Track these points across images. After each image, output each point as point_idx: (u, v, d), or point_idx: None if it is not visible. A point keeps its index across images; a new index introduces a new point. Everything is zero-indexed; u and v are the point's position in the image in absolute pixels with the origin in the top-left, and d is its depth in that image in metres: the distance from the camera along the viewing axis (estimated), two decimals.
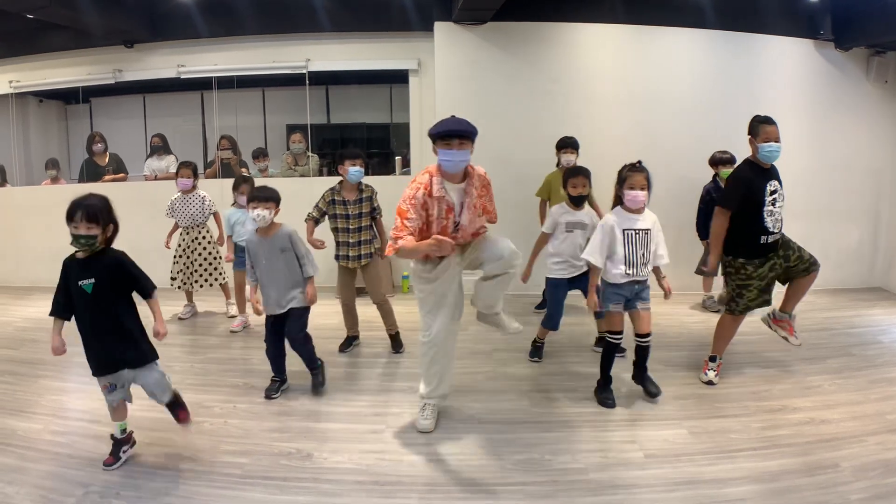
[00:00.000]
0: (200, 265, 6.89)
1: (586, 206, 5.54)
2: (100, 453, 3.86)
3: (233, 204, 6.52)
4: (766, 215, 4.84)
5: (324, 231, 5.63)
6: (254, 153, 8.58)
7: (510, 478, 3.72)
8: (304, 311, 4.85)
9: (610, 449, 4.04)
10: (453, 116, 4.11)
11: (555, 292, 5.53)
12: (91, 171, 8.59)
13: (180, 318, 6.88)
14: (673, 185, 7.58)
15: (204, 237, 6.91)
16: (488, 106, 7.68)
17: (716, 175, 6.91)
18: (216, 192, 7.11)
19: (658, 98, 7.75)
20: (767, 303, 5.11)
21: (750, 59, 7.83)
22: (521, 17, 7.50)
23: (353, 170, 5.49)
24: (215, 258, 6.96)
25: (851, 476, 3.67)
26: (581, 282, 5.36)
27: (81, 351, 5.80)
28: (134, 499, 3.45)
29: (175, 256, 6.86)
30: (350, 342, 5.90)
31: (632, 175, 4.48)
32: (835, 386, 5.03)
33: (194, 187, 6.82)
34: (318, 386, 4.91)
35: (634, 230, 4.50)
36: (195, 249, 6.86)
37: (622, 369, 4.99)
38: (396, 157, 8.97)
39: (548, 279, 5.59)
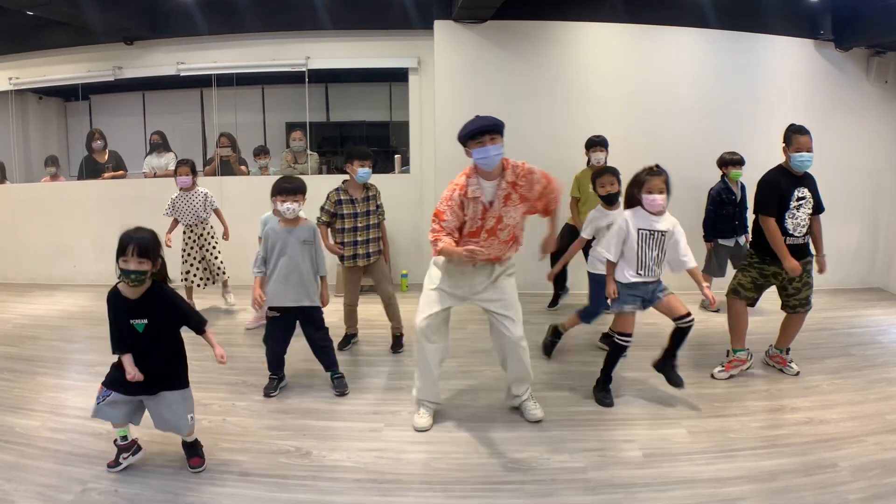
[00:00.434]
0: (216, 258, 6.92)
1: (620, 204, 5.50)
2: (98, 450, 3.87)
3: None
4: (787, 218, 4.98)
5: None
6: (254, 151, 8.58)
7: (509, 476, 3.72)
8: (318, 311, 4.88)
9: (609, 448, 4.04)
10: (477, 115, 4.13)
11: (599, 289, 5.51)
12: (90, 169, 8.59)
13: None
14: (673, 184, 7.57)
15: (209, 233, 6.92)
16: (488, 105, 7.63)
17: (724, 176, 6.88)
18: (215, 189, 7.09)
19: (658, 97, 7.75)
20: (751, 301, 5.25)
21: (750, 59, 7.83)
22: (522, 16, 7.50)
23: (363, 171, 5.51)
24: (220, 252, 6.99)
25: (850, 476, 3.67)
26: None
27: (79, 348, 5.83)
28: (132, 496, 3.45)
29: (184, 255, 6.84)
30: (349, 340, 5.89)
31: (650, 179, 4.42)
32: (834, 386, 5.04)
33: (194, 184, 6.80)
34: (343, 388, 4.89)
35: (650, 231, 4.44)
36: (203, 246, 6.88)
37: (621, 367, 4.98)
38: (396, 156, 8.96)
39: (590, 275, 5.62)
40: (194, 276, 6.82)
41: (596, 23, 7.68)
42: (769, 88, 7.88)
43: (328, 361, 4.96)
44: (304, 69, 8.33)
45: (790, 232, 5.00)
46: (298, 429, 4.28)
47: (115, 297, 3.56)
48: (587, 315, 5.63)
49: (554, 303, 7.18)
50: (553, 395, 4.78)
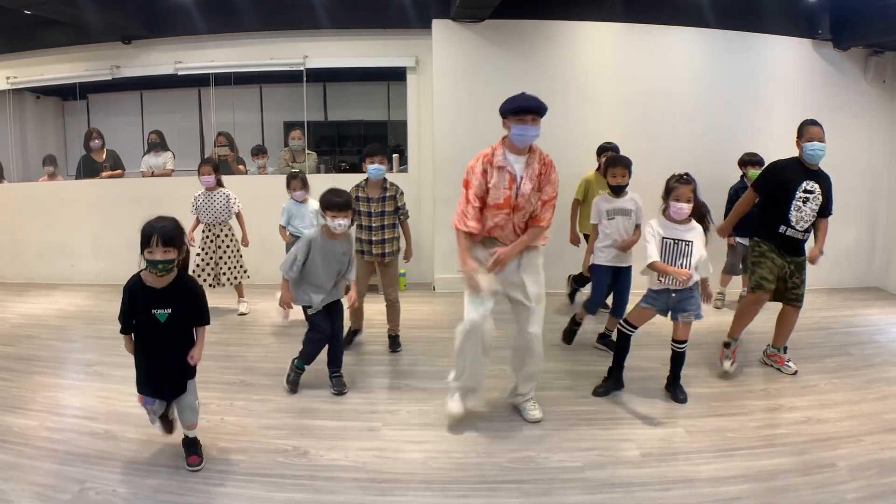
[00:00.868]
0: (226, 263, 6.88)
1: (629, 193, 5.57)
2: (95, 449, 3.86)
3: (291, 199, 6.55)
4: (792, 209, 5.06)
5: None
6: (252, 150, 8.58)
7: (506, 475, 3.72)
8: (341, 306, 4.99)
9: (606, 447, 4.04)
10: (524, 93, 4.19)
11: (598, 278, 5.70)
12: (88, 168, 8.58)
13: None
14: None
15: (227, 235, 6.89)
16: (486, 104, 7.60)
17: (743, 175, 6.92)
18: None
19: (657, 97, 7.75)
20: (770, 291, 5.19)
21: (748, 59, 7.83)
22: (520, 15, 7.49)
23: (372, 168, 5.52)
24: (241, 255, 6.98)
25: (848, 475, 3.68)
26: (620, 273, 5.60)
27: (76, 347, 5.82)
28: (130, 495, 3.44)
29: (202, 253, 6.82)
30: (353, 336, 5.89)
31: (678, 187, 4.50)
32: (831, 385, 5.04)
33: (219, 183, 6.81)
34: (342, 388, 4.89)
35: (674, 240, 4.51)
36: (220, 247, 6.85)
37: (627, 367, 4.99)
38: (394, 155, 8.95)
39: (592, 264, 5.72)
40: (208, 275, 6.78)
41: (594, 22, 7.68)
42: (767, 88, 7.88)
43: (334, 358, 4.97)
44: (301, 68, 8.32)
45: (792, 224, 5.05)
46: (296, 428, 4.28)
47: (136, 286, 3.51)
48: (591, 306, 5.81)
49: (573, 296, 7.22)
50: (551, 395, 4.77)
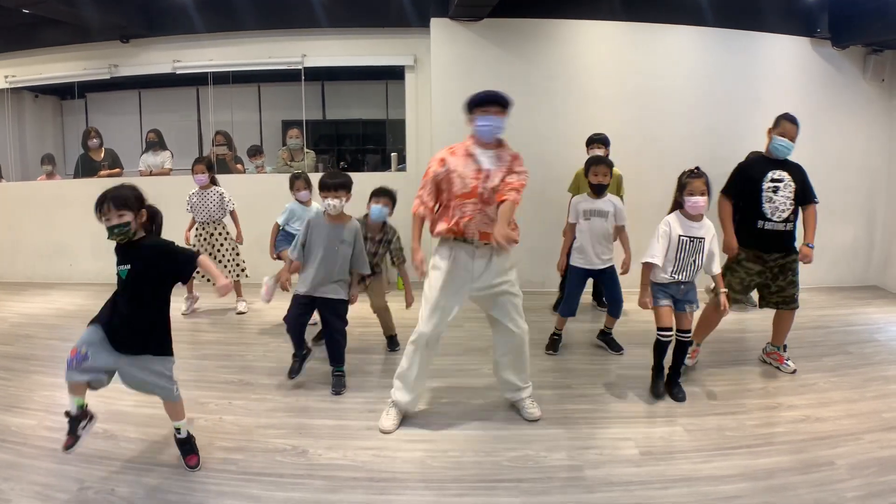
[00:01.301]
0: (219, 261, 6.87)
1: (608, 194, 5.57)
2: (95, 449, 3.86)
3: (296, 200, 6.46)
4: (764, 200, 4.97)
5: None
6: (249, 151, 8.60)
7: (505, 474, 3.72)
8: (342, 304, 4.91)
9: (605, 446, 4.04)
10: (489, 90, 4.18)
11: (572, 279, 5.68)
12: (86, 167, 8.57)
13: (183, 315, 6.87)
14: (669, 182, 7.55)
15: (221, 233, 6.89)
16: None
17: None
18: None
19: (655, 95, 7.75)
20: (738, 302, 5.27)
21: (747, 57, 7.83)
22: (518, 14, 7.48)
23: (375, 208, 5.49)
24: (237, 254, 6.98)
25: (847, 474, 3.68)
26: (602, 275, 5.61)
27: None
28: (129, 495, 3.44)
29: (193, 249, 6.77)
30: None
31: (691, 181, 4.52)
32: (830, 384, 5.04)
33: (212, 181, 6.81)
34: (340, 388, 4.88)
35: (690, 237, 4.54)
36: (213, 245, 6.85)
37: (618, 366, 4.98)
38: (392, 154, 8.96)
39: (570, 266, 5.70)
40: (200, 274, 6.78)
41: (593, 21, 7.67)
42: (766, 86, 7.88)
43: (335, 354, 4.95)
44: (300, 67, 8.32)
45: (767, 216, 4.98)
46: (295, 427, 4.28)
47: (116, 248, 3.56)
48: (565, 308, 5.73)
49: (559, 304, 7.14)
50: (549, 394, 4.78)
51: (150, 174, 8.48)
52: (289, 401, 4.70)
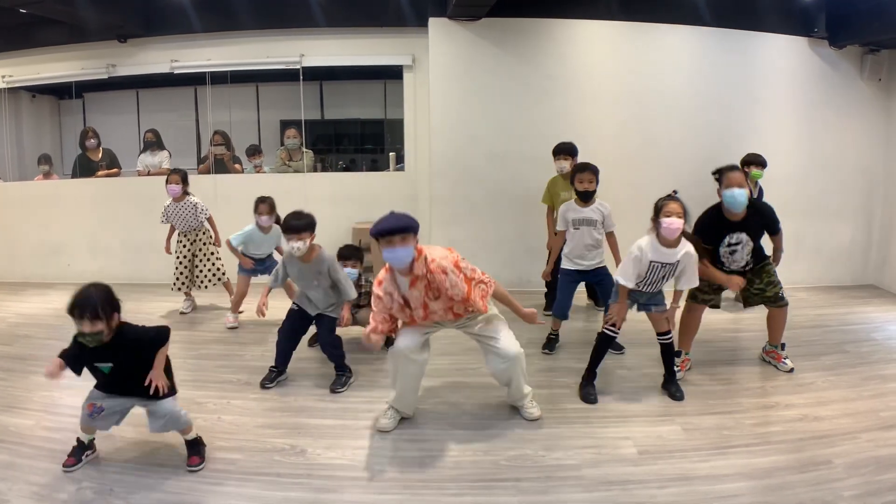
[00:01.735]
0: (204, 266, 6.92)
1: (596, 200, 5.55)
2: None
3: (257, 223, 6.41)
4: (722, 257, 5.01)
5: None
6: (247, 151, 8.60)
7: (503, 474, 3.72)
8: (334, 321, 5.03)
9: (603, 445, 4.04)
10: (392, 213, 3.98)
11: (563, 281, 5.68)
12: (84, 167, 8.56)
13: (182, 313, 6.91)
14: (667, 182, 7.55)
15: (201, 240, 6.92)
16: (483, 102, 7.68)
17: (746, 175, 6.83)
18: (209, 187, 7.05)
19: (653, 95, 7.75)
20: (714, 304, 5.30)
21: (744, 57, 7.83)
22: (516, 14, 7.48)
23: (346, 271, 5.38)
24: (217, 258, 6.99)
25: (844, 473, 3.68)
26: (594, 276, 5.62)
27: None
28: (127, 495, 3.44)
29: (177, 261, 6.85)
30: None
31: (667, 203, 4.45)
32: (828, 383, 5.05)
33: (185, 193, 6.79)
34: (337, 387, 4.90)
35: (662, 263, 4.52)
36: (195, 254, 6.89)
37: (617, 365, 4.99)
38: (390, 154, 8.96)
39: (560, 269, 5.71)
40: (182, 283, 6.86)
41: (591, 20, 7.67)
42: (763, 86, 7.89)
43: (334, 364, 5.03)
44: (298, 67, 8.31)
45: (725, 266, 5.04)
46: (293, 427, 4.28)
47: (77, 341, 3.53)
48: (557, 310, 5.75)
49: (550, 306, 7.10)
50: (548, 393, 4.78)
51: (148, 174, 8.47)
52: (287, 400, 4.71)
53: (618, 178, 6.61)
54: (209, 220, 6.93)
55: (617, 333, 4.74)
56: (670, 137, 7.75)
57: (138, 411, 3.78)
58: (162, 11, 8.21)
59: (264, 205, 6.27)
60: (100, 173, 8.49)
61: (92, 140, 8.51)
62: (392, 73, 8.73)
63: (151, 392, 3.60)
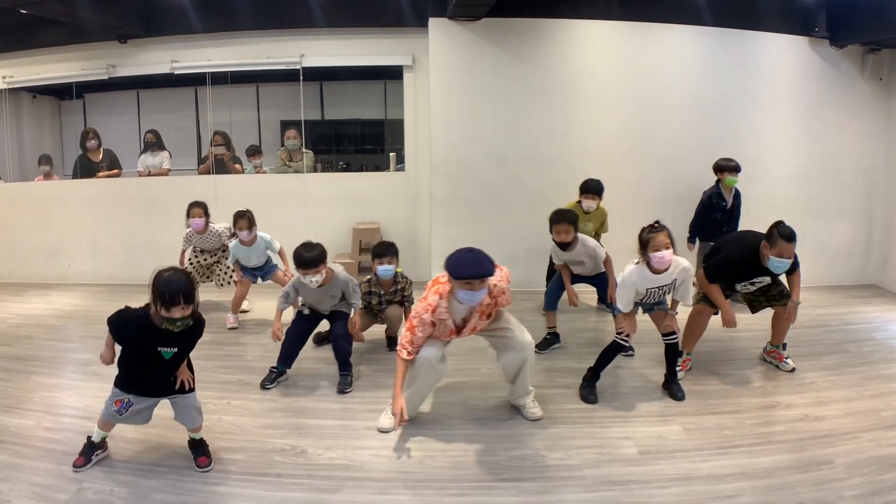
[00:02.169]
0: (217, 269, 6.95)
1: (578, 244, 5.57)
2: None
3: (233, 235, 6.40)
4: (739, 286, 5.14)
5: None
6: (247, 151, 8.59)
7: (504, 474, 3.72)
8: (348, 316, 5.08)
9: (604, 445, 4.04)
10: (471, 250, 4.00)
11: (557, 277, 5.83)
12: (85, 167, 8.56)
13: None
14: (667, 182, 7.60)
15: (219, 255, 6.95)
16: (482, 102, 7.67)
17: (718, 181, 6.86)
18: (209, 187, 7.02)
19: (653, 94, 7.75)
20: (714, 308, 5.27)
21: (745, 57, 7.83)
22: (516, 14, 7.48)
23: (382, 269, 5.46)
24: (228, 269, 6.94)
25: (845, 472, 3.68)
26: (594, 280, 5.80)
27: (74, 347, 5.81)
28: (127, 495, 3.44)
29: (190, 266, 6.82)
30: (324, 340, 5.87)
31: (654, 237, 4.40)
32: (829, 382, 5.05)
33: (207, 226, 6.71)
34: (344, 387, 4.90)
35: (658, 286, 4.58)
36: (211, 265, 6.93)
37: (618, 365, 4.99)
38: (391, 154, 8.96)
39: (553, 265, 5.91)
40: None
41: (591, 20, 7.66)
42: (764, 86, 7.88)
43: (341, 360, 5.02)
44: (298, 67, 8.31)
45: (737, 291, 5.20)
46: (294, 427, 4.28)
47: (145, 325, 3.48)
48: (547, 303, 5.85)
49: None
50: (548, 393, 4.77)
51: (149, 175, 8.47)
52: (287, 401, 4.70)
53: (617, 178, 6.60)
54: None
55: (628, 342, 4.76)
56: (670, 137, 7.74)
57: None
58: (162, 12, 8.21)
59: (243, 220, 6.20)
60: (100, 174, 8.48)
61: (92, 141, 8.51)
62: (392, 74, 8.72)
63: (177, 387, 3.66)
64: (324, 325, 5.31)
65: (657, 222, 4.51)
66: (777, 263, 4.74)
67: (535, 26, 7.57)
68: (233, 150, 8.60)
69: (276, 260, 6.58)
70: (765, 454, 3.91)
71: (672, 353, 4.82)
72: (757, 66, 7.86)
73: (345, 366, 4.99)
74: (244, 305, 6.92)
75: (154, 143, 8.59)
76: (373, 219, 8.22)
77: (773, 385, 5.02)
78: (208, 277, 6.95)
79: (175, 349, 3.56)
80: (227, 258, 6.84)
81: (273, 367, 5.02)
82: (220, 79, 8.75)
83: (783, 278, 5.17)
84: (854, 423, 4.32)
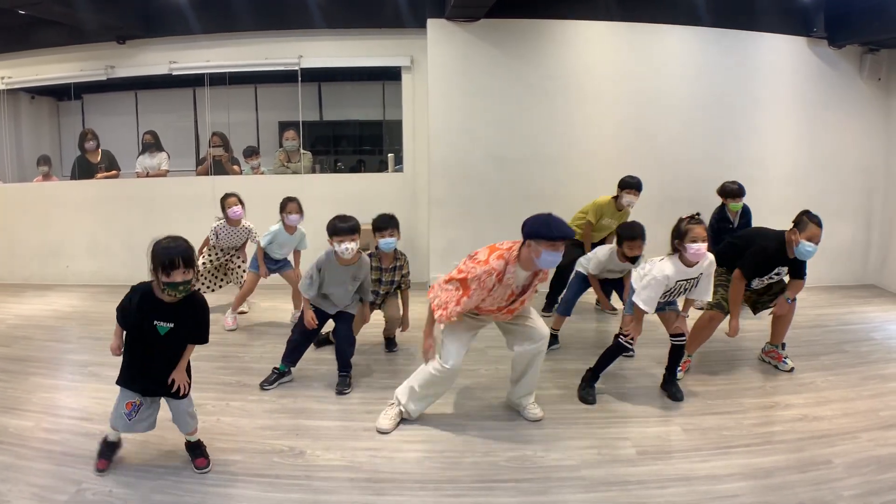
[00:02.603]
0: (229, 272, 6.92)
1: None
2: (92, 450, 3.82)
3: (278, 222, 6.32)
4: (756, 281, 5.15)
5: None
6: (245, 152, 8.58)
7: (503, 475, 3.72)
8: (353, 317, 5.08)
9: (603, 445, 4.04)
10: (550, 215, 3.98)
11: (577, 284, 5.81)
12: (83, 168, 8.56)
13: None
14: (666, 182, 7.60)
15: (235, 254, 6.91)
16: (481, 103, 7.68)
17: (724, 206, 6.82)
18: (207, 188, 7.00)
19: (651, 95, 7.76)
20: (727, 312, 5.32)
21: (743, 57, 7.84)
22: (515, 14, 7.48)
23: (384, 242, 5.43)
24: (242, 265, 6.92)
25: (844, 472, 3.69)
26: (606, 283, 5.79)
27: (72, 348, 5.81)
28: (126, 496, 3.44)
29: (204, 268, 6.76)
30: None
31: (692, 228, 4.40)
32: (828, 383, 5.05)
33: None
34: (343, 388, 4.90)
35: (686, 279, 4.54)
36: (225, 264, 6.89)
37: (617, 366, 4.99)
38: (389, 155, 8.95)
39: (576, 270, 5.82)
40: (202, 282, 6.75)
41: (589, 21, 7.67)
42: (762, 86, 7.89)
43: (342, 360, 5.01)
44: (296, 68, 8.31)
45: (753, 287, 5.22)
46: (292, 428, 4.28)
47: (148, 295, 3.49)
48: (563, 308, 5.84)
49: (548, 307, 7.04)
50: (547, 394, 4.78)
51: (147, 176, 8.46)
52: (286, 402, 4.70)
53: (616, 178, 6.59)
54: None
55: (632, 346, 4.73)
56: (669, 137, 7.75)
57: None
58: (160, 13, 8.21)
59: (293, 203, 6.19)
60: (99, 175, 8.48)
61: (91, 142, 8.50)
62: (391, 75, 8.73)
63: (174, 390, 3.63)
64: (329, 325, 5.30)
65: (697, 214, 4.53)
66: (807, 248, 4.86)
67: (534, 27, 7.58)
68: (231, 152, 8.59)
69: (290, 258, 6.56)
70: (764, 454, 3.91)
71: (677, 355, 4.81)
72: (756, 66, 7.87)
73: (345, 367, 4.99)
74: (243, 307, 6.91)
75: (152, 145, 8.59)
76: (371, 220, 8.21)
77: (771, 385, 5.02)
78: (220, 279, 6.93)
79: (171, 325, 3.51)
80: (238, 257, 6.85)
81: (275, 368, 5.01)
82: (219, 80, 8.76)
83: (786, 280, 5.22)
84: (853, 423, 4.33)
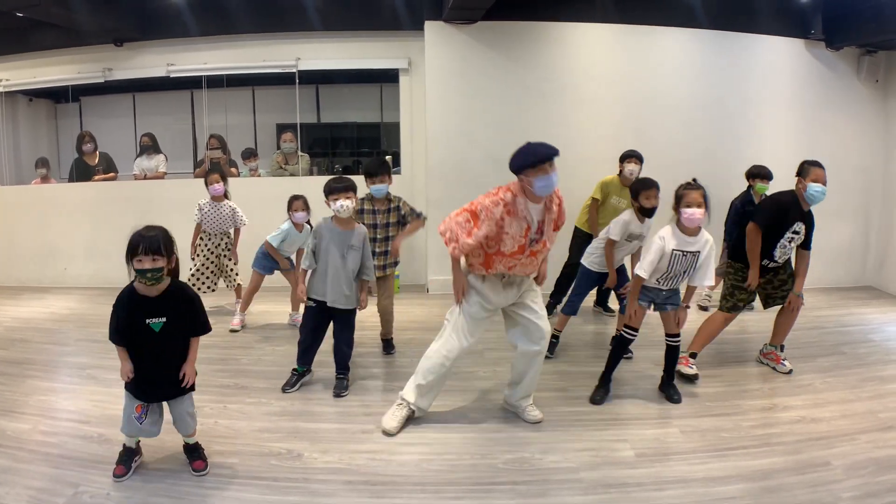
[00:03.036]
0: (223, 267, 6.86)
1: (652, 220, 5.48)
2: (89, 453, 3.84)
3: (286, 220, 6.31)
4: (777, 247, 5.08)
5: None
6: (243, 154, 8.58)
7: (501, 477, 3.71)
8: (352, 314, 4.97)
9: (601, 448, 4.04)
10: (529, 143, 3.99)
11: (584, 281, 5.71)
12: (81, 171, 8.55)
13: None
14: (664, 183, 7.53)
15: (226, 244, 6.84)
16: (478, 105, 7.68)
17: (750, 188, 6.77)
18: (205, 190, 6.96)
19: (649, 97, 7.77)
20: (749, 303, 5.43)
21: (741, 59, 7.85)
22: (512, 17, 7.50)
23: (374, 188, 5.44)
24: (234, 266, 6.89)
25: (843, 474, 3.68)
26: (604, 279, 5.63)
27: (70, 351, 5.79)
28: (124, 499, 3.43)
29: (201, 265, 6.74)
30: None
31: (688, 193, 4.41)
32: (826, 384, 5.05)
33: (225, 195, 6.69)
34: (340, 390, 4.89)
35: (683, 252, 4.48)
36: (218, 256, 6.82)
37: (618, 369, 4.99)
38: (387, 157, 8.95)
39: (582, 267, 5.72)
40: (202, 283, 6.74)
41: (586, 23, 7.69)
42: (760, 88, 7.90)
43: (341, 362, 4.99)
44: (294, 70, 8.31)
45: (775, 258, 5.14)
46: (290, 431, 4.27)
47: (129, 296, 3.47)
48: (569, 308, 5.78)
49: (550, 308, 6.98)
50: (545, 396, 4.76)
51: (145, 178, 8.46)
52: (284, 405, 4.69)
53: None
54: (236, 230, 6.77)
55: (635, 335, 4.71)
56: (667, 139, 7.75)
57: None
58: (158, 15, 8.21)
59: (299, 201, 6.19)
60: (96, 177, 8.48)
61: (88, 144, 8.50)
62: (388, 77, 8.74)
63: (183, 384, 3.62)
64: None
65: (694, 180, 4.53)
66: (815, 189, 4.98)
67: (531, 29, 7.58)
68: (228, 154, 8.59)
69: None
70: (762, 456, 3.91)
71: (672, 356, 4.81)
72: (754, 68, 7.88)
73: (342, 369, 4.98)
74: (235, 322, 6.81)
75: (150, 147, 8.59)
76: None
77: (769, 387, 5.02)
78: (218, 276, 6.91)
79: (163, 319, 3.48)
80: (230, 259, 6.82)
81: (294, 370, 4.99)
82: (216, 82, 8.76)
83: (793, 257, 5.26)
84: (851, 424, 4.33)
